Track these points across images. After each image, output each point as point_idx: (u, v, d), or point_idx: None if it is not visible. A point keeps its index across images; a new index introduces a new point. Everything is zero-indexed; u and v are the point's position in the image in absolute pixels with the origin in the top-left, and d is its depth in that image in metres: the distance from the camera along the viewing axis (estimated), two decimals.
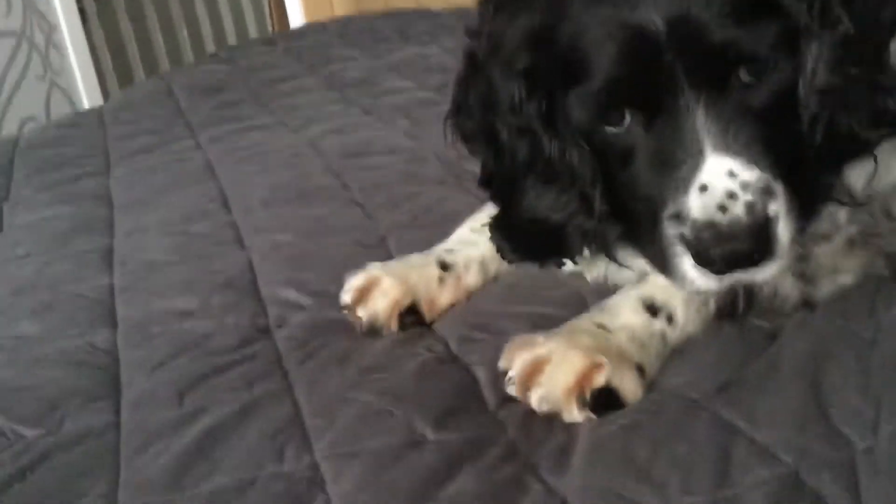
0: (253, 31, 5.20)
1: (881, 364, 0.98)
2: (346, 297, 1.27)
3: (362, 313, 1.24)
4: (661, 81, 0.95)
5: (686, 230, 0.94)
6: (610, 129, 1.00)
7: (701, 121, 0.94)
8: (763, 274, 0.96)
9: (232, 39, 5.06)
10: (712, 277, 0.96)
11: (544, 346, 1.05)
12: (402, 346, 1.21)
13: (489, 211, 1.24)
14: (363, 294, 1.25)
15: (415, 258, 1.33)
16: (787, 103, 0.99)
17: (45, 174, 2.27)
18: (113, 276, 1.58)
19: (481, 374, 1.12)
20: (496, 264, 1.33)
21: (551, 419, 1.02)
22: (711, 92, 0.95)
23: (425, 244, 1.43)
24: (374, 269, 1.28)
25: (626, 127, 0.99)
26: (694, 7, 0.94)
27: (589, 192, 1.06)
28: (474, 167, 1.26)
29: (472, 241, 1.34)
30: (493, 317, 1.25)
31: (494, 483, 0.92)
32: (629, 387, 1.03)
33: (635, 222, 1.04)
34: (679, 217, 0.94)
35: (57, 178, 2.22)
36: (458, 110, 1.18)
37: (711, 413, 0.97)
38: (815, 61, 0.98)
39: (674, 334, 1.11)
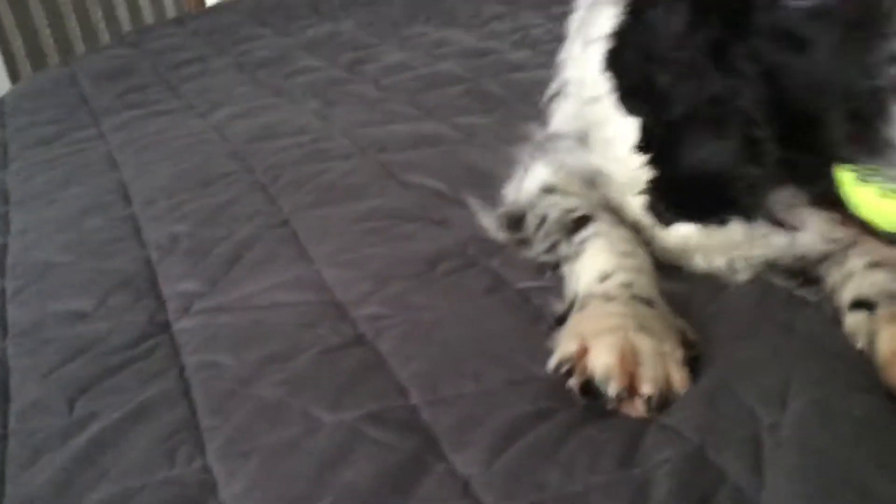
0: (171, 11, 5.02)
1: (794, 344, 0.98)
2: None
3: None
4: None
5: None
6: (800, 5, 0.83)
7: None
8: None
9: (150, 19, 4.88)
10: None
11: None
12: (305, 330, 1.16)
13: None
14: None
15: None
16: None
17: None
18: (5, 279, 1.50)
19: (384, 346, 1.09)
20: None
21: (462, 394, 0.99)
22: None
23: (328, 222, 1.40)
24: None
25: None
26: None
27: (760, 135, 0.90)
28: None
29: None
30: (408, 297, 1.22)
31: (393, 463, 0.89)
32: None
33: (814, 138, 0.87)
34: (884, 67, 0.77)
35: None
36: (614, 66, 0.99)
37: None
38: None
39: None
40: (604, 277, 1.06)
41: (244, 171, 1.75)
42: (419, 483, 0.87)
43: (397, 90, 2.19)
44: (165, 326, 1.26)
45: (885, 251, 1.01)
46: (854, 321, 0.98)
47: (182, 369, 1.14)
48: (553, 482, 0.85)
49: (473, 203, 1.38)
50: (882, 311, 0.94)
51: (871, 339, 0.94)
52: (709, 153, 0.92)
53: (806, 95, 0.86)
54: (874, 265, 1.00)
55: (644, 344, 0.93)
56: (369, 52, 2.65)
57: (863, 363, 0.92)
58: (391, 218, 1.47)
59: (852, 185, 0.89)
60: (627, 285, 1.04)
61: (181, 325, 1.25)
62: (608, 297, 1.02)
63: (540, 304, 1.14)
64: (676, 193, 0.98)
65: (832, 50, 0.82)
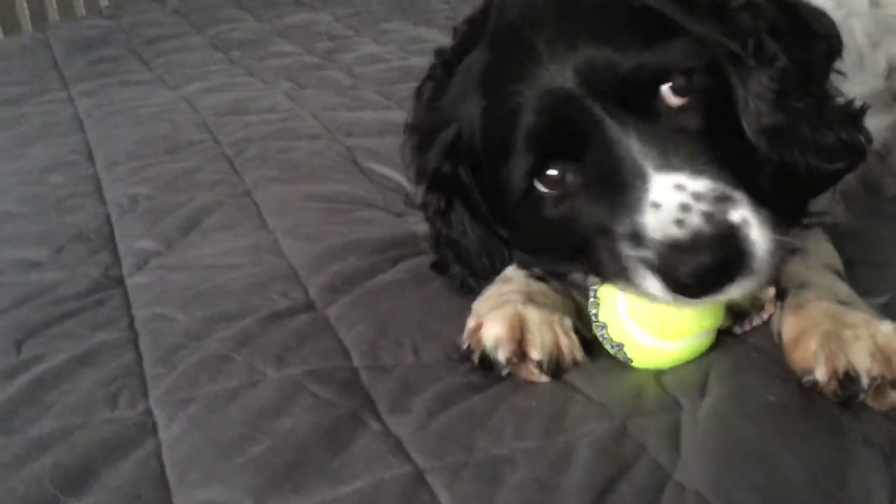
0: None
1: (718, 337, 1.01)
2: None
3: None
4: (585, 127, 0.93)
5: (649, 254, 0.88)
6: (550, 193, 0.98)
7: (636, 147, 0.90)
8: (741, 289, 0.89)
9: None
10: (687, 300, 0.89)
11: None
12: (257, 292, 1.19)
13: None
14: None
15: None
16: (725, 118, 0.97)
17: None
18: None
19: (332, 312, 1.12)
20: None
21: (400, 364, 1.03)
22: (639, 120, 0.92)
23: (290, 197, 1.41)
24: None
25: (568, 186, 0.97)
26: (595, 47, 0.93)
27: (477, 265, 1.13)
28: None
29: None
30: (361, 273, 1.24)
31: (330, 417, 0.92)
32: None
33: (585, 255, 0.99)
34: (636, 238, 0.89)
35: None
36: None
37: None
38: (757, 99, 0.96)
39: None
40: None
41: (210, 142, 1.77)
42: (354, 438, 0.90)
43: (369, 80, 2.23)
44: (119, 281, 1.28)
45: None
46: None
47: (132, 321, 1.16)
48: (481, 445, 0.88)
49: None
50: (790, 300, 0.99)
51: (780, 327, 0.99)
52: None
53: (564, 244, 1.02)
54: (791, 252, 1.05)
55: (532, 314, 1.00)
56: (344, 43, 2.68)
57: (780, 354, 0.96)
58: (352, 202, 1.50)
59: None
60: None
61: (134, 280, 1.27)
62: (506, 279, 1.09)
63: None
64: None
65: (589, 203, 0.95)
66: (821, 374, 0.89)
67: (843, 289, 1.01)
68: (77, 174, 1.67)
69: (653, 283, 0.89)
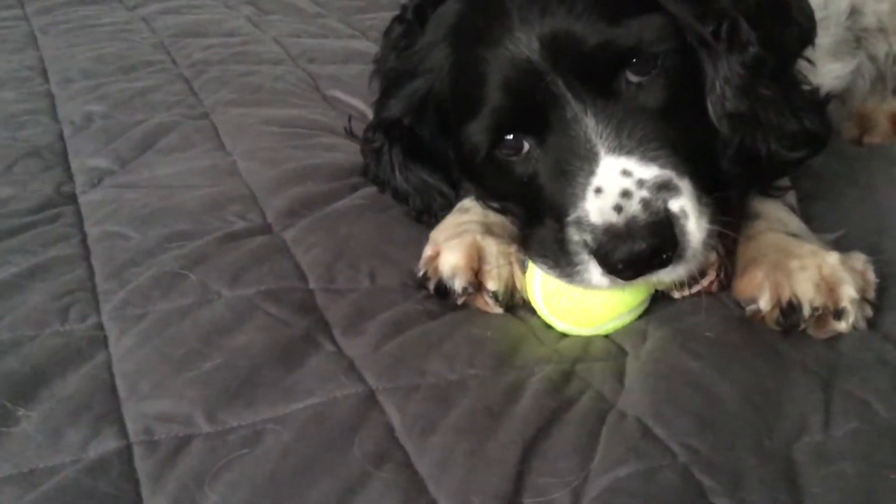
0: None
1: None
2: None
3: None
4: (547, 100, 0.92)
5: (588, 237, 0.89)
6: (511, 158, 0.98)
7: (592, 126, 0.91)
8: (672, 275, 0.90)
9: None
10: (621, 282, 0.90)
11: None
12: (213, 213, 1.18)
13: None
14: None
15: None
16: (687, 99, 0.96)
17: None
18: None
19: (289, 235, 1.12)
20: None
21: (356, 288, 1.03)
22: (598, 97, 0.91)
23: (249, 120, 1.39)
24: None
25: (526, 153, 0.97)
26: (564, 19, 0.91)
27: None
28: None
29: None
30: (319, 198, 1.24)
31: (284, 336, 0.93)
32: None
33: (538, 228, 0.99)
34: (580, 223, 0.89)
35: None
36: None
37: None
38: (723, 84, 0.95)
39: None
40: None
41: (168, 63, 1.73)
42: (307, 357, 0.91)
43: (334, 8, 2.19)
44: (72, 197, 1.26)
45: None
46: None
47: (84, 237, 1.14)
48: (433, 370, 0.90)
49: None
50: (742, 231, 1.01)
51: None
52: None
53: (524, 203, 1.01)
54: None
55: (490, 245, 1.02)
56: None
57: (724, 297, 0.98)
58: (312, 128, 1.48)
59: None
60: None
61: (88, 197, 1.25)
62: (464, 209, 1.11)
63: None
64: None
65: (546, 178, 0.95)
66: (764, 302, 0.91)
67: (794, 221, 1.02)
68: (30, 90, 1.63)
69: (592, 266, 0.90)
